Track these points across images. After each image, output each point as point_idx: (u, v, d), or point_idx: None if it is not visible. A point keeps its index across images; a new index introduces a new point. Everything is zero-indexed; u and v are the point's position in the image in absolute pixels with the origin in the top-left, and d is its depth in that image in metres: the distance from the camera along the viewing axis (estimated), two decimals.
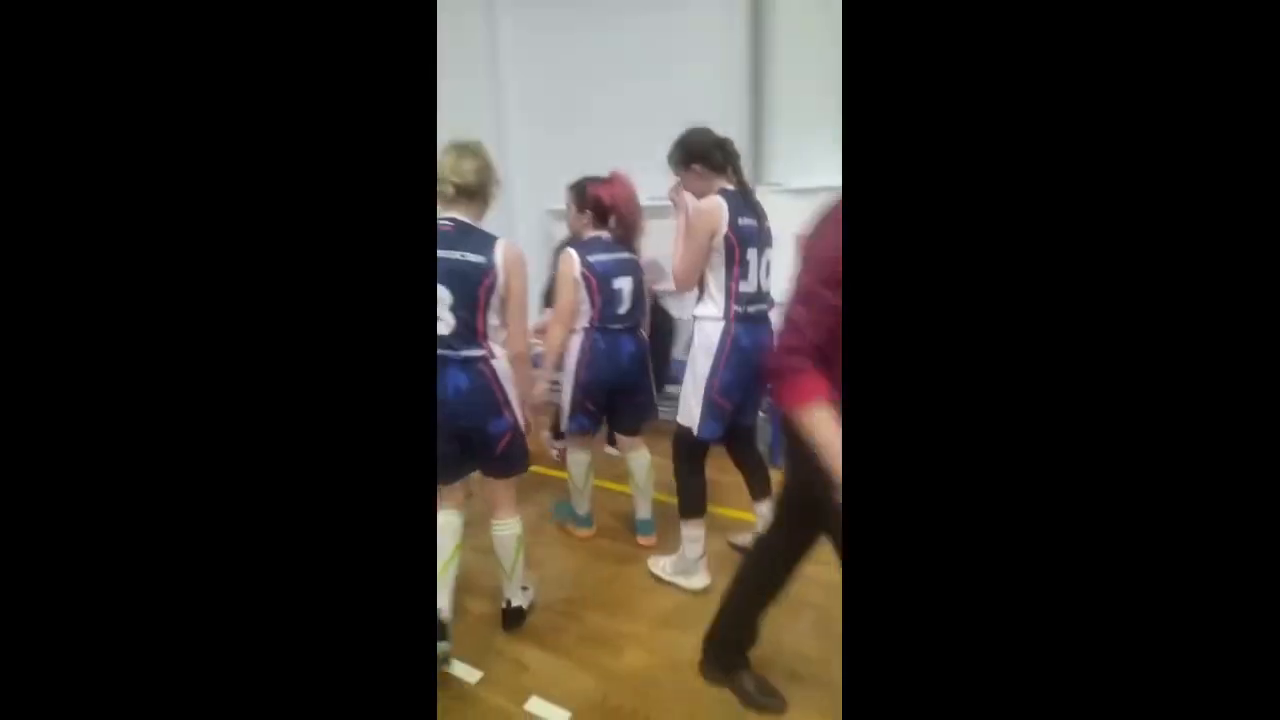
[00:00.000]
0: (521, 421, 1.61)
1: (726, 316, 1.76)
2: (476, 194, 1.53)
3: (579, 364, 2.06)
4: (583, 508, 2.32)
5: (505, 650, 1.75)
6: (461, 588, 1.79)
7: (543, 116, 3.72)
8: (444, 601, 1.59)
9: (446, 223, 1.50)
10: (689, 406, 1.83)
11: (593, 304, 2.01)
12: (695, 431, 1.81)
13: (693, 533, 1.94)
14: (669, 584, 2.00)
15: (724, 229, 1.69)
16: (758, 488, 2.06)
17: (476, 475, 1.69)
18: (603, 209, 2.02)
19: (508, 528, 1.72)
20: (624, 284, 2.02)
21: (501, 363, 1.56)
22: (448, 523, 1.64)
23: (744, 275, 1.74)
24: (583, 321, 2.04)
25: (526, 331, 1.59)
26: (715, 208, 1.69)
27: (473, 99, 3.57)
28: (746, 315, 1.77)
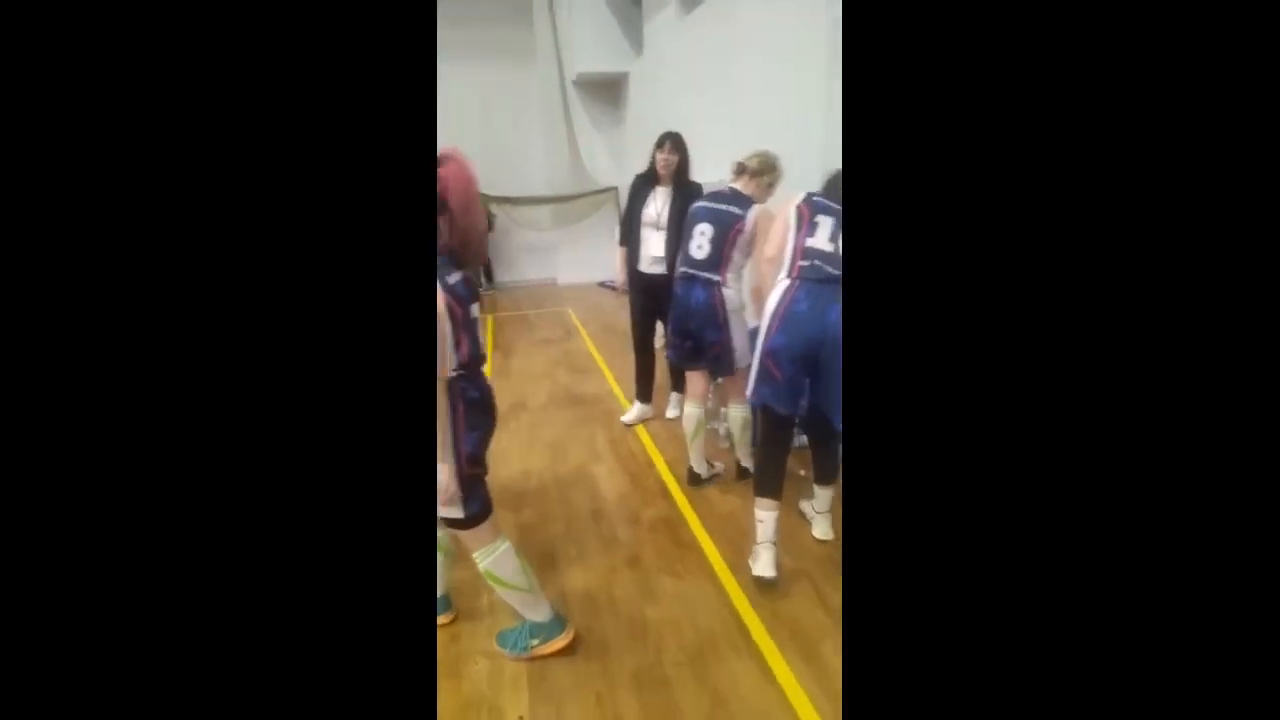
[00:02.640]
0: (735, 341, 2.18)
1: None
2: (757, 175, 2.14)
3: (455, 422, 1.32)
4: None
5: None
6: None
7: None
8: (694, 461, 2.44)
9: (725, 189, 2.19)
10: None
11: (458, 347, 1.31)
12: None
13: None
14: None
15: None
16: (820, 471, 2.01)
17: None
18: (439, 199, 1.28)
19: (737, 410, 2.34)
20: (478, 309, 1.40)
21: (730, 291, 2.16)
22: (690, 412, 2.37)
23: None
24: (450, 367, 1.32)
25: (761, 272, 1.95)
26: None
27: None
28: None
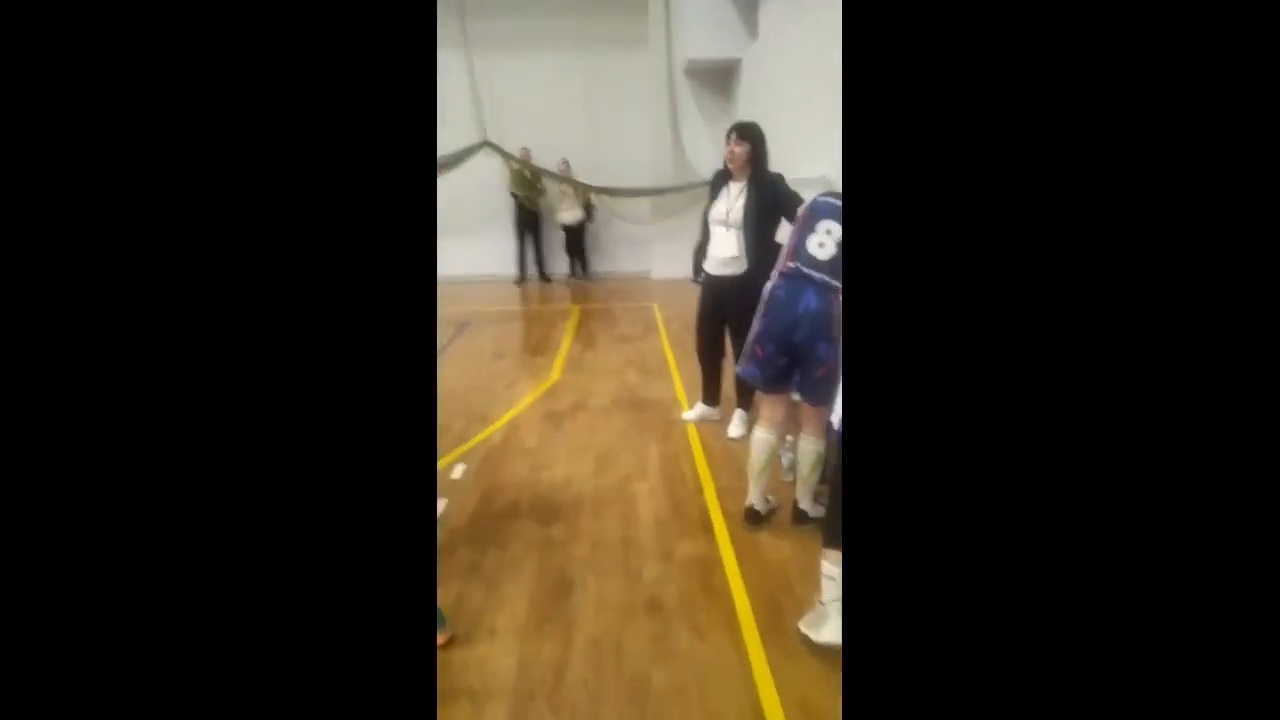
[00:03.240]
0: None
1: None
2: None
3: None
4: None
5: None
6: None
7: None
8: (755, 498, 2.12)
9: None
10: None
11: None
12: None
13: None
14: None
15: None
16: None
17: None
18: None
19: (812, 444, 2.01)
20: None
21: None
22: (763, 439, 2.05)
23: None
24: None
25: None
26: None
27: None
28: None
